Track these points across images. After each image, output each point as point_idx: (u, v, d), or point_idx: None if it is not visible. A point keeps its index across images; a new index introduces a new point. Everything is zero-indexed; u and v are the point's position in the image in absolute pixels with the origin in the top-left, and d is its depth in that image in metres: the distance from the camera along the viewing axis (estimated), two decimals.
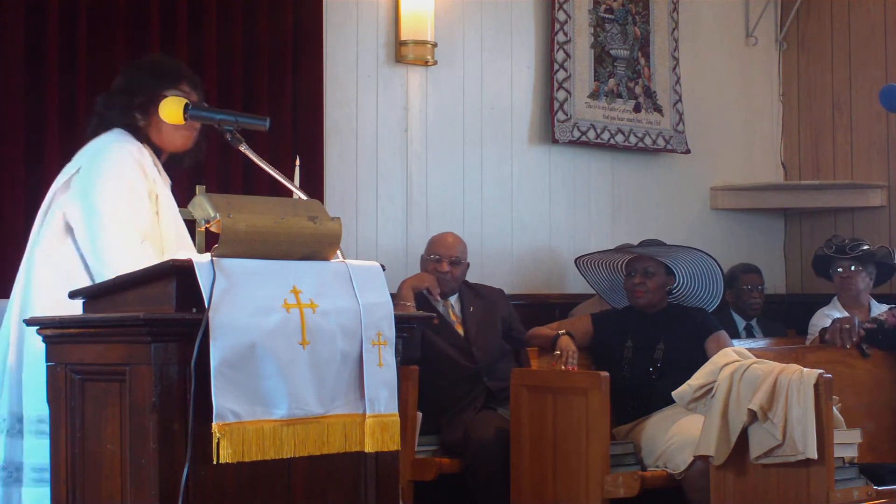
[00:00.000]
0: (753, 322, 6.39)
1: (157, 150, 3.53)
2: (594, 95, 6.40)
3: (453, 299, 5.47)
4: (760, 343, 5.85)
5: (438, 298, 5.36)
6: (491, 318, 5.48)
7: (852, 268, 5.95)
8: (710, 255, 5.36)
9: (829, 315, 5.86)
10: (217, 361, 2.68)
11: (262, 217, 2.86)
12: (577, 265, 5.63)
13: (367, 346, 2.92)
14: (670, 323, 5.31)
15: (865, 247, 5.98)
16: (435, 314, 5.22)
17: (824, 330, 5.65)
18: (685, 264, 5.40)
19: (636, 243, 5.77)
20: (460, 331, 5.39)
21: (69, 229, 3.38)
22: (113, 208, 3.29)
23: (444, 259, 5.41)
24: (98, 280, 3.22)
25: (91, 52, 4.76)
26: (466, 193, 6.08)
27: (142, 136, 3.49)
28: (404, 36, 5.78)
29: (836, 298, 6.04)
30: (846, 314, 5.87)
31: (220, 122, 3.26)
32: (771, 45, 7.25)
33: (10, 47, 4.63)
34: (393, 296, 5.06)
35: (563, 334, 5.24)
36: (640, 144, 6.60)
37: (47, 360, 3.00)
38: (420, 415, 5.02)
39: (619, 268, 5.51)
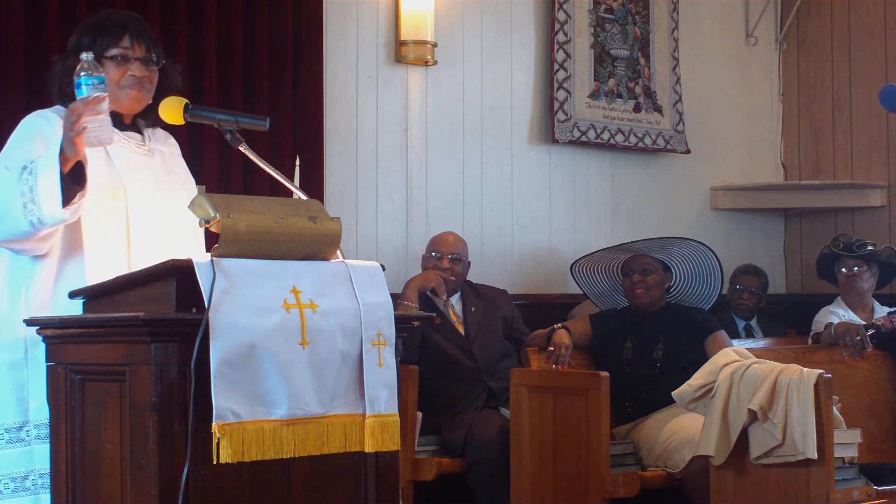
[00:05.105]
0: (753, 322, 6.38)
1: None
2: (594, 95, 6.40)
3: (454, 299, 5.47)
4: (760, 343, 5.85)
5: (444, 297, 5.36)
6: (492, 318, 5.48)
7: (855, 268, 5.95)
8: (705, 245, 5.35)
9: (834, 313, 5.85)
10: (217, 361, 2.68)
11: (262, 217, 2.86)
12: (572, 272, 5.61)
13: (367, 346, 2.92)
14: (670, 323, 5.31)
15: (871, 247, 5.98)
16: (436, 314, 5.23)
17: (817, 335, 5.65)
18: (681, 259, 5.39)
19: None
20: (461, 330, 5.39)
21: None
22: None
23: (444, 256, 5.41)
24: None
25: None
26: (466, 193, 6.08)
27: None
28: (404, 36, 5.78)
29: (839, 298, 6.04)
30: (850, 313, 5.87)
31: (220, 122, 3.24)
32: (771, 45, 7.24)
33: (10, 46, 4.62)
34: (396, 295, 5.12)
35: (559, 328, 5.17)
36: (640, 144, 6.59)
37: (47, 360, 2.99)
38: (420, 415, 5.02)
39: (616, 271, 5.49)
